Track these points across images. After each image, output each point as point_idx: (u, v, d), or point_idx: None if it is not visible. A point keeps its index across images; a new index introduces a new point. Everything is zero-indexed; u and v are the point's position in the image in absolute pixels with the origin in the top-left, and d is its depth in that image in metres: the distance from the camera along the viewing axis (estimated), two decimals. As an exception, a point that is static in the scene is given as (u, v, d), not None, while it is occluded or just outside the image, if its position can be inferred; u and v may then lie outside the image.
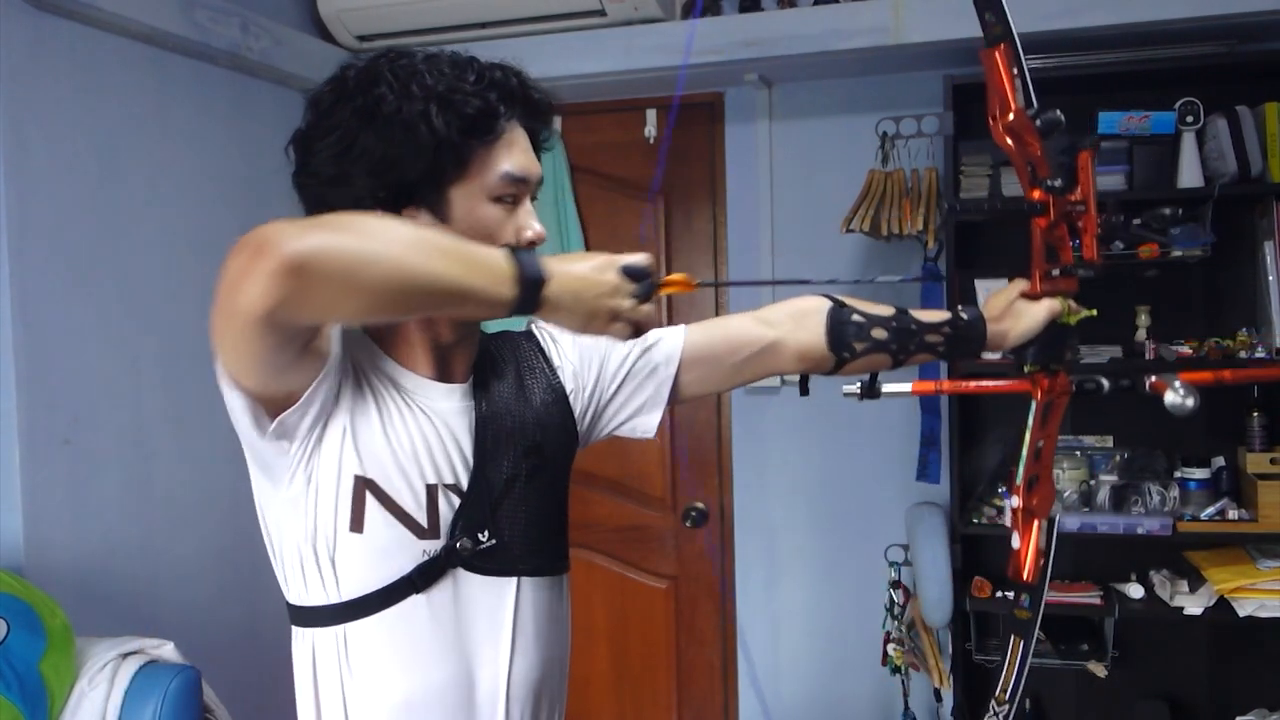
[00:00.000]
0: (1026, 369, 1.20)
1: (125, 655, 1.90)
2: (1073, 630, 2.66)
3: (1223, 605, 2.42)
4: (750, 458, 3.03)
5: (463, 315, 1.04)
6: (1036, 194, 1.13)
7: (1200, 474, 2.53)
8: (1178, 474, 2.55)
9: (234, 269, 0.83)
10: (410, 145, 1.01)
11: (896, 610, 2.72)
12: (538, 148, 1.13)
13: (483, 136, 1.05)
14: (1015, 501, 1.12)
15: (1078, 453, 2.69)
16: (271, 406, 1.00)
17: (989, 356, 1.34)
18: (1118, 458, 2.65)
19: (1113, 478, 2.57)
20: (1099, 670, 2.56)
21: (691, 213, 3.06)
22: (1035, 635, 1.11)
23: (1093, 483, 2.60)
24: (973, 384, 1.26)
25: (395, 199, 1.03)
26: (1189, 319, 2.61)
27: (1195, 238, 2.45)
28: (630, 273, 1.00)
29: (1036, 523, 1.14)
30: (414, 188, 1.03)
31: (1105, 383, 1.21)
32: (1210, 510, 2.47)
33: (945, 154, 2.62)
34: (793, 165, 2.95)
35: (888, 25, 2.54)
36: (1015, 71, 1.11)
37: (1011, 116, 1.11)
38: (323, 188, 1.05)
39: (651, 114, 3.03)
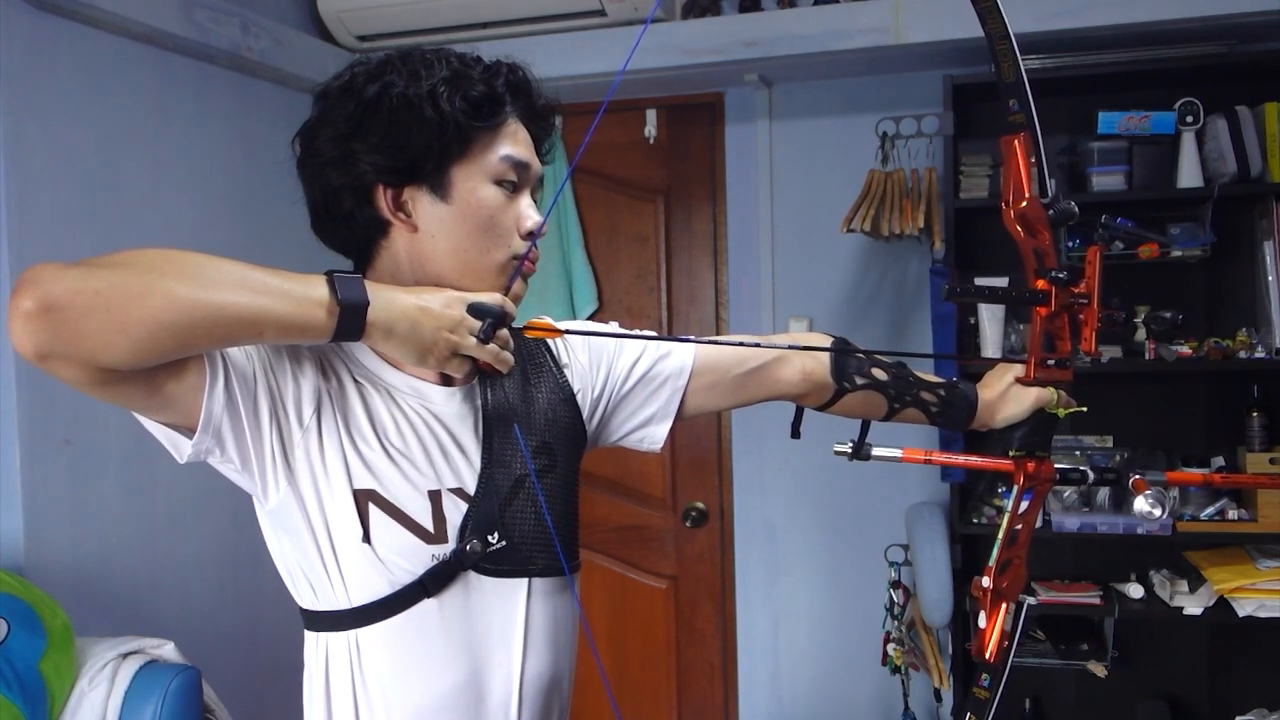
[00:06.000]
0: (1010, 453, 1.21)
1: (125, 655, 1.91)
2: (1073, 630, 2.66)
3: (1222, 605, 2.42)
4: (750, 458, 3.03)
5: (273, 341, 1.00)
6: (1040, 283, 1.14)
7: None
8: (1177, 474, 2.55)
9: (8, 310, 0.83)
10: (415, 123, 1.02)
11: (896, 610, 2.72)
12: (540, 155, 1.14)
13: (487, 120, 1.06)
14: (986, 582, 1.13)
15: (1077, 452, 2.68)
16: (185, 432, 0.98)
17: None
18: (1118, 457, 2.64)
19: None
20: (1099, 670, 2.56)
21: (691, 213, 3.06)
22: (992, 714, 1.12)
23: (1093, 482, 2.60)
24: (960, 458, 1.27)
25: (398, 177, 1.05)
26: (1189, 319, 2.61)
27: (1195, 238, 2.45)
28: (476, 311, 1.02)
29: (1005, 605, 1.15)
30: (416, 166, 1.04)
31: (1091, 474, 1.24)
32: (1210, 510, 2.47)
33: (945, 154, 2.62)
34: (793, 165, 2.95)
35: (888, 25, 2.54)
36: (1033, 160, 1.12)
37: (1025, 204, 1.12)
38: (325, 168, 1.05)
39: (652, 114, 3.03)
